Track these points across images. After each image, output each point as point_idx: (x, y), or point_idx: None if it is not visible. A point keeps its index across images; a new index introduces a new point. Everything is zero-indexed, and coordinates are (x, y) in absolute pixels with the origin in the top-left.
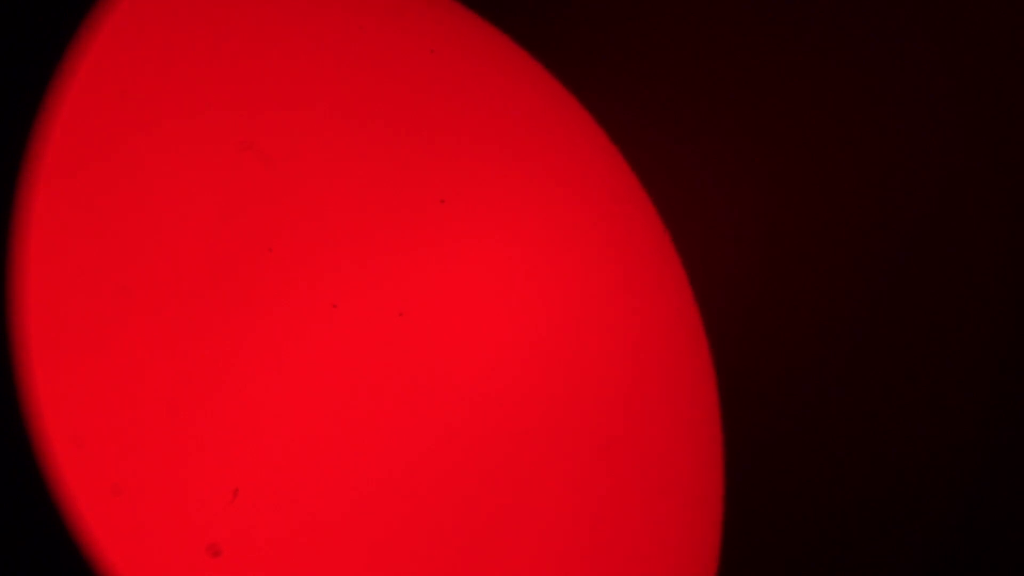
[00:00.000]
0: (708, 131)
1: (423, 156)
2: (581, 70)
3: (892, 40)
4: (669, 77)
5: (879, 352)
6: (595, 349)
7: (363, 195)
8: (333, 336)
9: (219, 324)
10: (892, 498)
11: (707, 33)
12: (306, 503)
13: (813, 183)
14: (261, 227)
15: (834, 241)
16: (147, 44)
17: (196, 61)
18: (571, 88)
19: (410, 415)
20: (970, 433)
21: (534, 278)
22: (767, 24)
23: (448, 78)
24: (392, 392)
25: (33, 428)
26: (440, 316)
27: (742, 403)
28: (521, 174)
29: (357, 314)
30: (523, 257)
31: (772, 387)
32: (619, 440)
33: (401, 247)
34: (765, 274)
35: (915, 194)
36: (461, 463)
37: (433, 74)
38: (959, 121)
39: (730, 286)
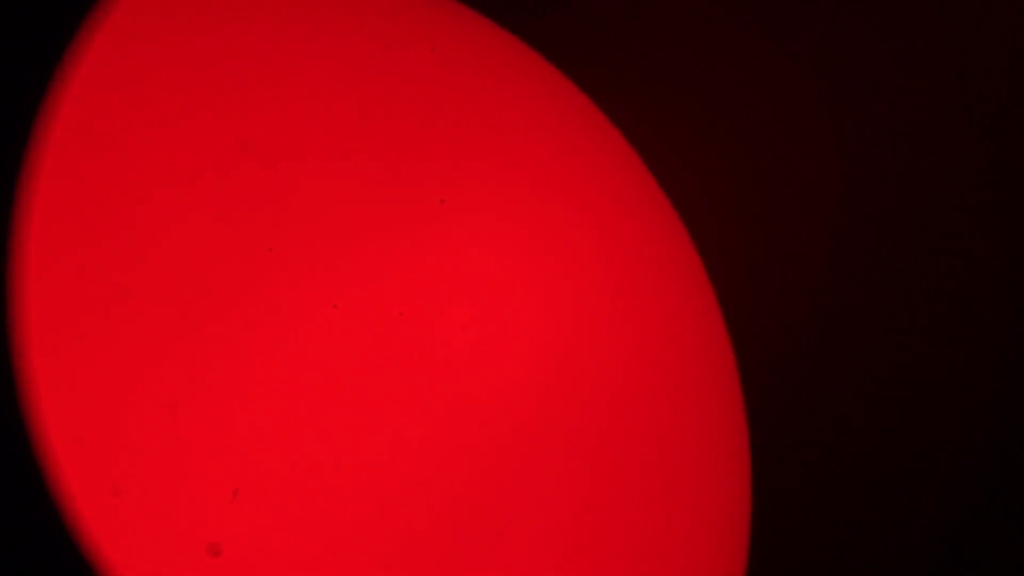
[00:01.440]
0: (718, 121)
1: (423, 156)
2: (587, 65)
3: (900, 34)
4: (678, 69)
5: (899, 342)
6: (601, 347)
7: (363, 195)
8: (333, 336)
9: (219, 324)
10: (918, 484)
11: (715, 22)
12: (306, 503)
13: (827, 174)
14: (261, 227)
15: (850, 230)
16: (147, 44)
17: (196, 61)
18: (579, 84)
19: (411, 415)
20: (992, 420)
21: (535, 278)
22: (778, 17)
23: (448, 77)
24: (393, 392)
25: (33, 428)
26: (440, 316)
27: (764, 396)
28: (522, 172)
29: (357, 314)
30: (523, 257)
31: (793, 375)
32: (625, 440)
33: (401, 247)
34: (782, 265)
35: (930, 186)
36: (463, 464)
37: (433, 74)
38: (968, 109)
39: (748, 278)
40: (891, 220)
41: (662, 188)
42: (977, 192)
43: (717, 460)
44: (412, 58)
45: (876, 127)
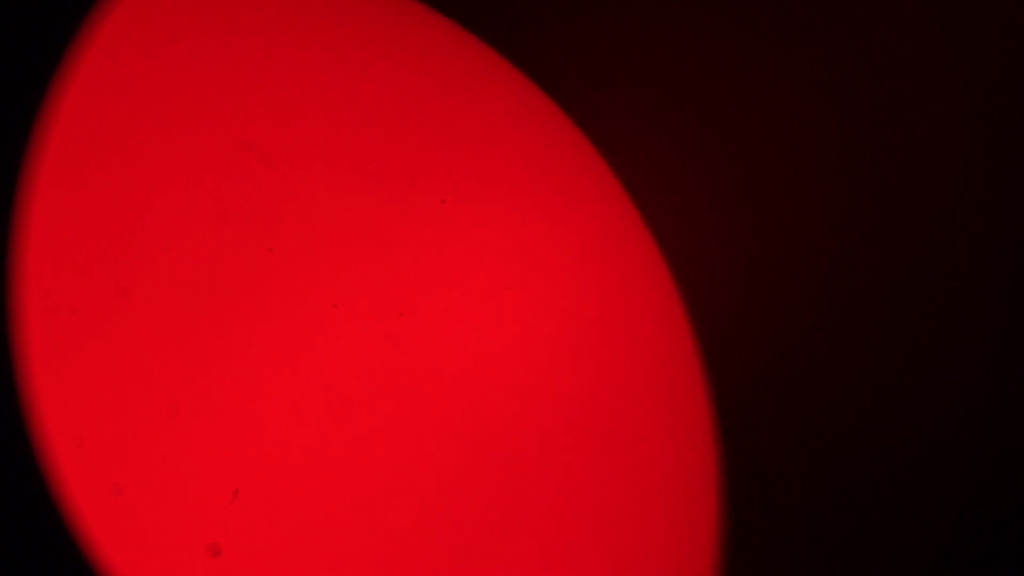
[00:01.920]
0: (691, 134)
1: (423, 156)
2: (568, 80)
3: (880, 48)
4: (654, 84)
5: (871, 351)
6: (595, 349)
7: (363, 195)
8: (333, 336)
9: (219, 324)
10: (894, 496)
11: (693, 35)
12: (306, 503)
13: (800, 185)
14: (261, 227)
15: (823, 240)
16: (147, 44)
17: (196, 61)
18: (557, 98)
19: (410, 415)
20: (968, 428)
21: (534, 278)
22: (754, 22)
23: (447, 79)
24: (392, 392)
25: (33, 428)
26: (440, 316)
27: (733, 402)
28: (520, 175)
29: (357, 314)
30: (523, 257)
31: (763, 384)
32: (618, 440)
33: (401, 247)
34: (752, 276)
35: (903, 197)
36: (460, 463)
37: (433, 75)
38: (945, 123)
39: (717, 288)
40: (868, 222)
41: (632, 199)
42: (971, 197)
43: (685, 464)
44: (412, 59)
45: (854, 129)
